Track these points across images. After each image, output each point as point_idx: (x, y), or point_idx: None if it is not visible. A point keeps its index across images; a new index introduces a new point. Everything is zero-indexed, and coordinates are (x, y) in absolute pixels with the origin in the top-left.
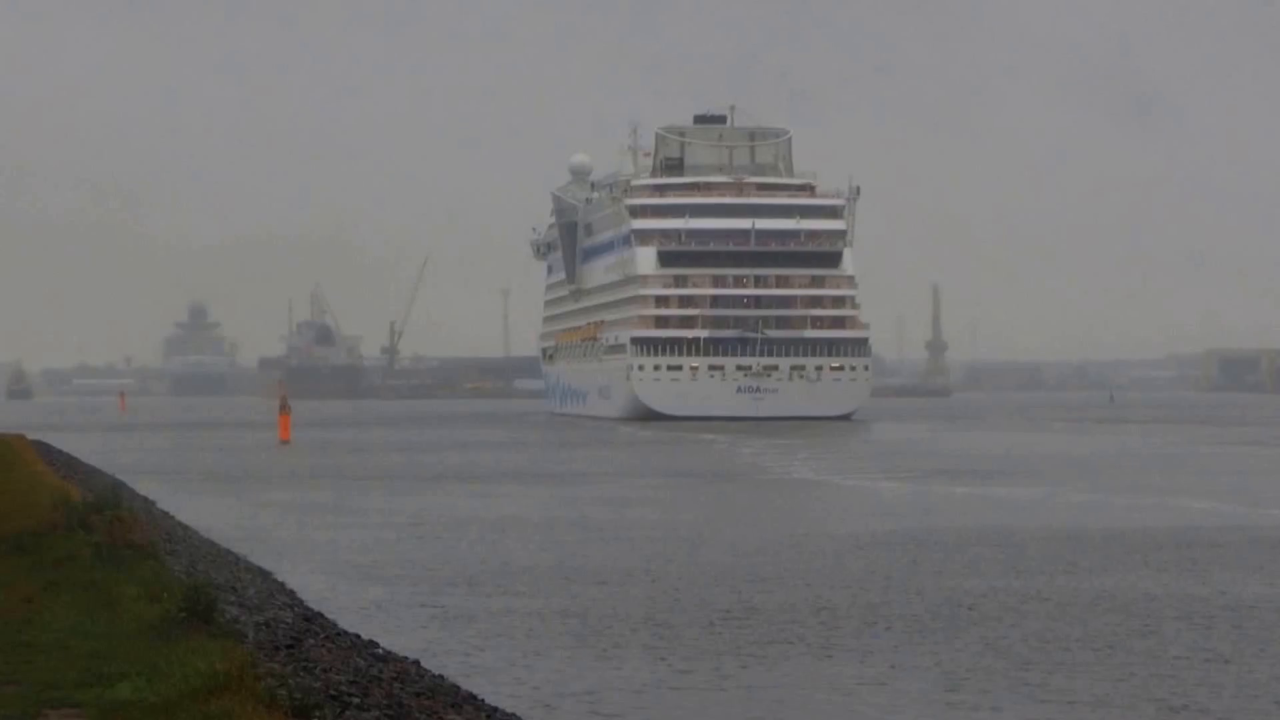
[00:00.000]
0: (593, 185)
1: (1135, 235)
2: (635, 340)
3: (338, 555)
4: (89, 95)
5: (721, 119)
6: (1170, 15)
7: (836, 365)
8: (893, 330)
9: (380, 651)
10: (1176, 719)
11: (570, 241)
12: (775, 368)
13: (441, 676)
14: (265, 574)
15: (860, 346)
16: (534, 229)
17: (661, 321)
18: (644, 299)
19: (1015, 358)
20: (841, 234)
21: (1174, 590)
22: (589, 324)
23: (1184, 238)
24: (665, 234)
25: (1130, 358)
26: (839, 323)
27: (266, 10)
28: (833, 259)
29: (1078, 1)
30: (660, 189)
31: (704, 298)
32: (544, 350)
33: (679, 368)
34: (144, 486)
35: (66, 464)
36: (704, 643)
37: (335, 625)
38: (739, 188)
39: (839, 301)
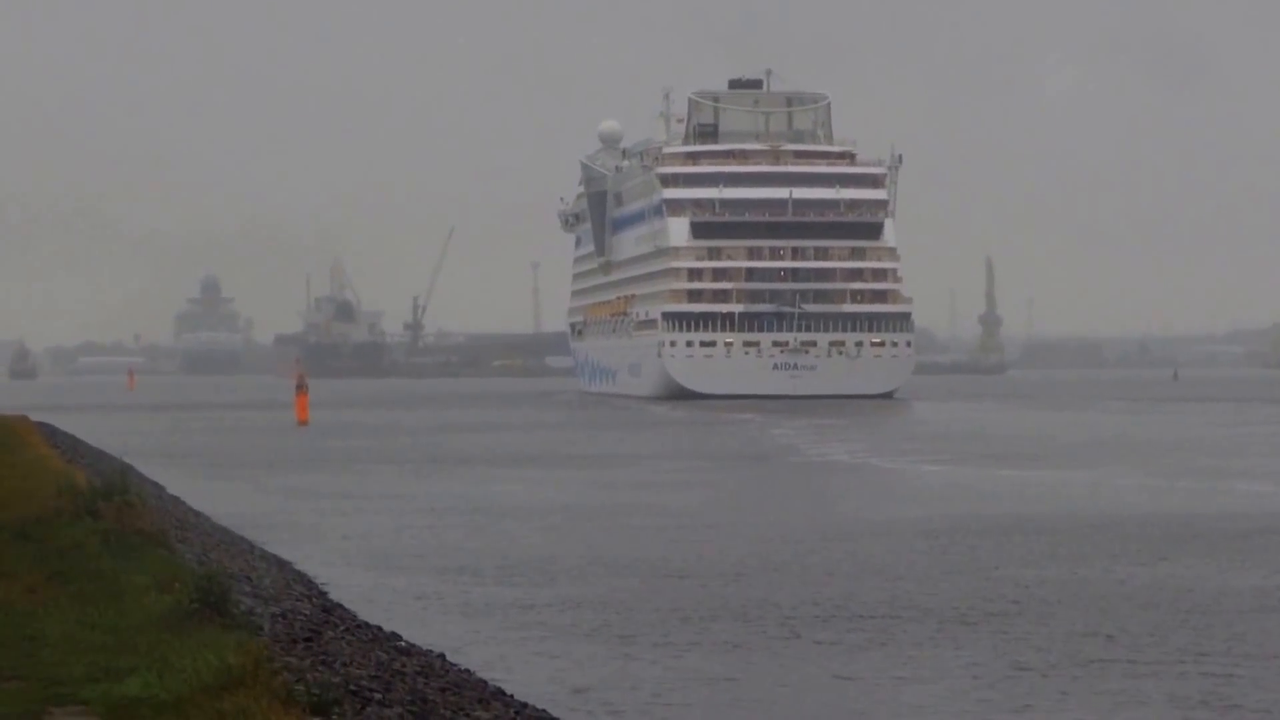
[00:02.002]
0: (623, 153)
1: (1195, 204)
2: (667, 315)
3: (358, 543)
4: (97, 70)
5: (757, 84)
6: None
7: (877, 341)
8: (944, 305)
9: (403, 644)
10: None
11: (599, 212)
12: (813, 344)
13: (468, 670)
14: (282, 563)
15: (902, 321)
16: (562, 199)
17: (694, 295)
18: (676, 272)
19: (1074, 333)
20: (883, 204)
21: (1232, 581)
22: (619, 298)
23: (1247, 206)
24: (698, 204)
25: (1194, 333)
26: (880, 296)
27: None
28: (874, 230)
29: None
30: (693, 157)
31: (739, 270)
32: (572, 326)
33: (712, 344)
34: (153, 470)
35: (72, 447)
36: (734, 636)
37: (356, 616)
38: (775, 155)
39: (880, 274)
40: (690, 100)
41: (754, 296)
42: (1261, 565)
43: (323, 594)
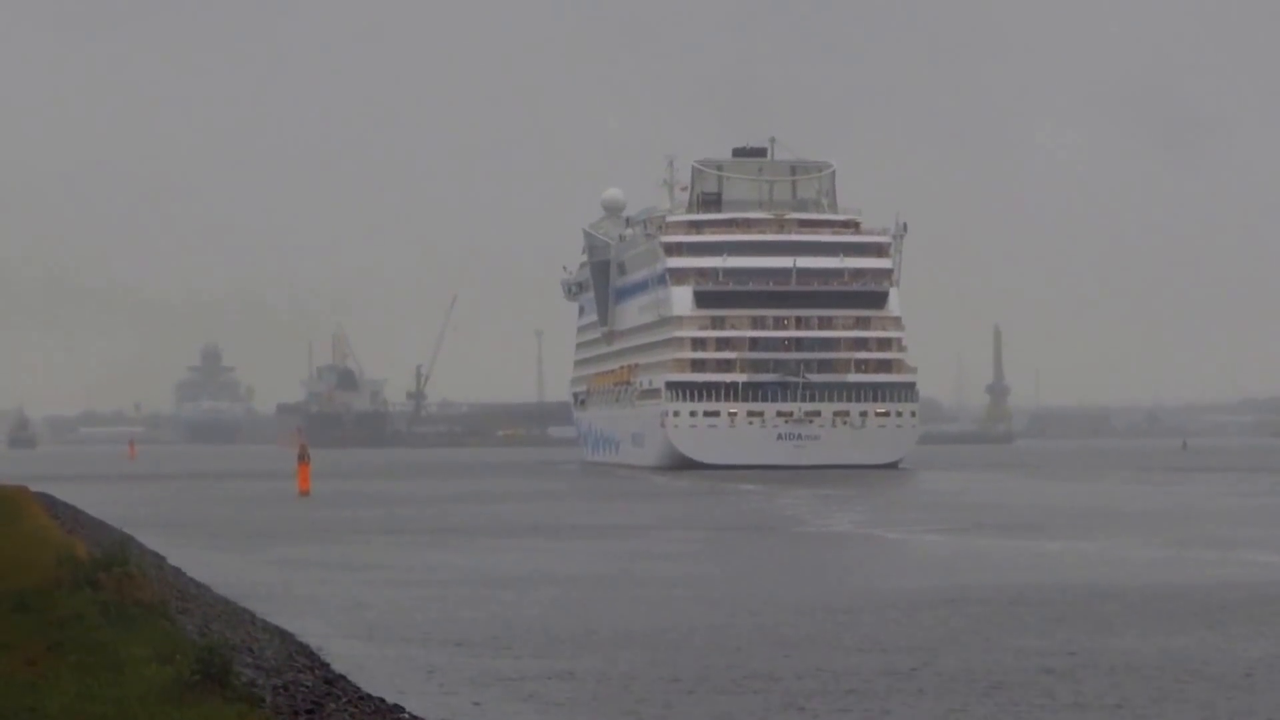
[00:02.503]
0: (626, 221)
1: (1204, 272)
2: (670, 385)
3: (361, 615)
4: (96, 137)
5: (761, 151)
6: (1212, 34)
7: (882, 410)
8: (951, 374)
9: (406, 716)
10: None
11: (602, 281)
12: (817, 413)
13: None
14: (284, 634)
15: (907, 391)
16: (565, 268)
17: (698, 365)
18: (679, 341)
19: (1082, 403)
20: (888, 273)
21: (1240, 652)
22: (622, 367)
23: (1256, 274)
24: (702, 273)
25: (1204, 402)
26: (885, 366)
27: (278, 31)
28: (878, 299)
29: (1114, 17)
30: (697, 225)
31: (743, 340)
32: (575, 395)
33: (716, 413)
34: (154, 541)
35: (72, 517)
36: (736, 708)
37: (359, 689)
38: (779, 224)
39: (885, 343)
40: (694, 168)
41: (758, 366)
42: (1270, 636)
43: (325, 665)
